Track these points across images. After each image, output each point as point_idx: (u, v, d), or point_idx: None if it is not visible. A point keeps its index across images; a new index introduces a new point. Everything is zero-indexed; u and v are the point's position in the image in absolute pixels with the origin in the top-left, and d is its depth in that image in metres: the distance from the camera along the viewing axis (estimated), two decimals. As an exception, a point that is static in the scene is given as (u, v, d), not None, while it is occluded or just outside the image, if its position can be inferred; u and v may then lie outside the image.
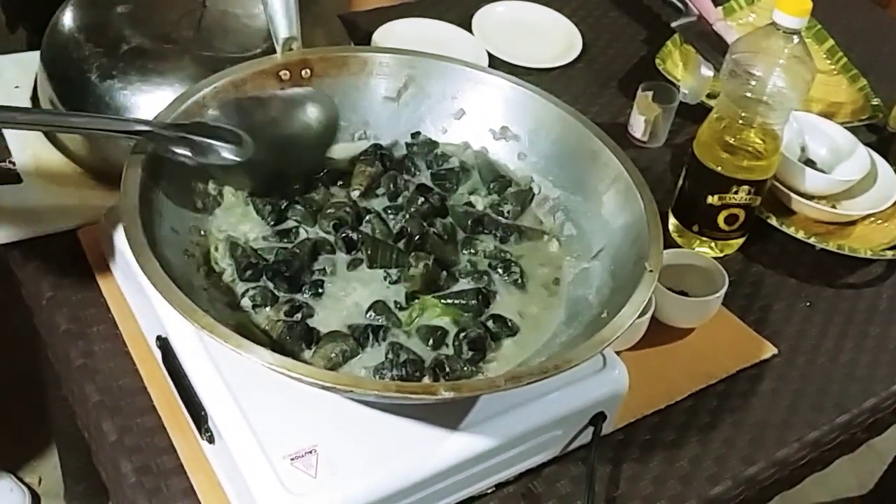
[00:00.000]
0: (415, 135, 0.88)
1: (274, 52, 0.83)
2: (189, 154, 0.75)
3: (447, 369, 0.71)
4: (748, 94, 0.94)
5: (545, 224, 0.85)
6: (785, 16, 0.90)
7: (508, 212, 0.85)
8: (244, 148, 0.77)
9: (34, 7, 1.24)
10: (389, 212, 0.83)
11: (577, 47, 1.32)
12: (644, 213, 0.75)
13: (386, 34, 1.25)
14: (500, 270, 0.80)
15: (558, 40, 1.34)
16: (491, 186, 0.86)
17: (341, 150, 0.87)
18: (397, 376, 0.70)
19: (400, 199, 0.84)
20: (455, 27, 1.29)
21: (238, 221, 0.79)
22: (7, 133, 0.97)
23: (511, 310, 0.77)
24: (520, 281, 0.79)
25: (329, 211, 0.80)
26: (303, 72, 0.84)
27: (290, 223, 0.81)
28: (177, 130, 0.75)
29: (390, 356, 0.71)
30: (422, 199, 0.83)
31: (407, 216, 0.82)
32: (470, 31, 1.29)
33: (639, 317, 0.69)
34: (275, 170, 0.81)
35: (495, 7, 1.35)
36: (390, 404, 0.72)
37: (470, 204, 0.85)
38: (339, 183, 0.85)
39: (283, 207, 0.81)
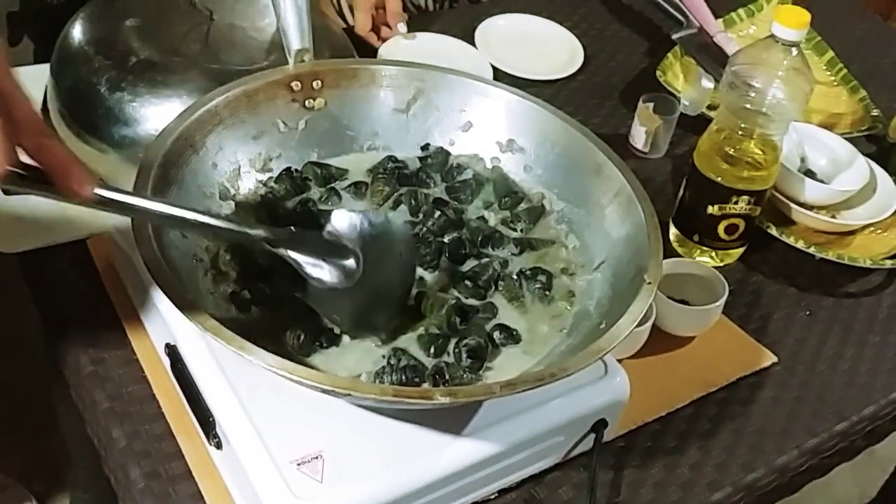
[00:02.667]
0: (424, 146, 0.90)
1: (280, 64, 0.85)
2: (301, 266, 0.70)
3: (447, 376, 0.72)
4: (748, 106, 0.95)
5: (552, 233, 0.86)
6: (784, 28, 0.91)
7: (522, 230, 0.85)
8: (356, 271, 0.73)
9: (38, 20, 1.26)
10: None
11: (578, 59, 1.33)
12: (645, 226, 0.76)
13: (391, 48, 1.26)
14: (526, 280, 0.80)
15: (560, 52, 1.35)
16: (503, 201, 0.87)
17: (353, 161, 0.88)
18: (396, 381, 0.71)
19: (420, 215, 0.84)
20: (458, 41, 1.30)
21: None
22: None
23: (519, 322, 0.78)
24: (546, 292, 0.80)
25: None
26: (314, 83, 0.85)
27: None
28: (293, 242, 0.70)
29: (391, 361, 0.72)
30: (438, 213, 0.83)
31: (424, 229, 0.82)
32: (473, 44, 1.30)
33: (639, 326, 0.69)
34: (371, 298, 0.75)
35: (497, 20, 1.36)
36: (393, 410, 0.72)
37: (483, 219, 0.86)
38: (354, 194, 0.86)
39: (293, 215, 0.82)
